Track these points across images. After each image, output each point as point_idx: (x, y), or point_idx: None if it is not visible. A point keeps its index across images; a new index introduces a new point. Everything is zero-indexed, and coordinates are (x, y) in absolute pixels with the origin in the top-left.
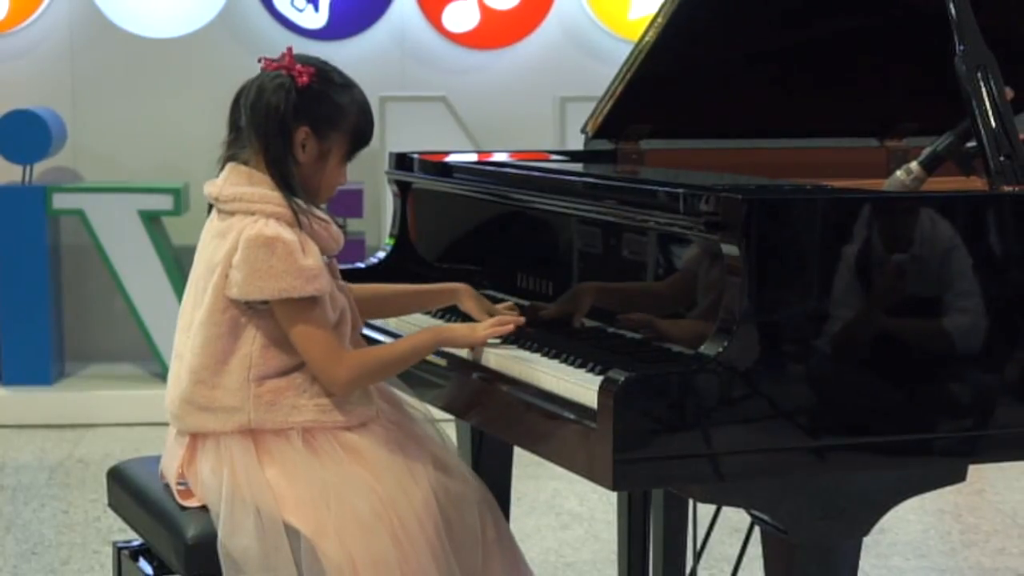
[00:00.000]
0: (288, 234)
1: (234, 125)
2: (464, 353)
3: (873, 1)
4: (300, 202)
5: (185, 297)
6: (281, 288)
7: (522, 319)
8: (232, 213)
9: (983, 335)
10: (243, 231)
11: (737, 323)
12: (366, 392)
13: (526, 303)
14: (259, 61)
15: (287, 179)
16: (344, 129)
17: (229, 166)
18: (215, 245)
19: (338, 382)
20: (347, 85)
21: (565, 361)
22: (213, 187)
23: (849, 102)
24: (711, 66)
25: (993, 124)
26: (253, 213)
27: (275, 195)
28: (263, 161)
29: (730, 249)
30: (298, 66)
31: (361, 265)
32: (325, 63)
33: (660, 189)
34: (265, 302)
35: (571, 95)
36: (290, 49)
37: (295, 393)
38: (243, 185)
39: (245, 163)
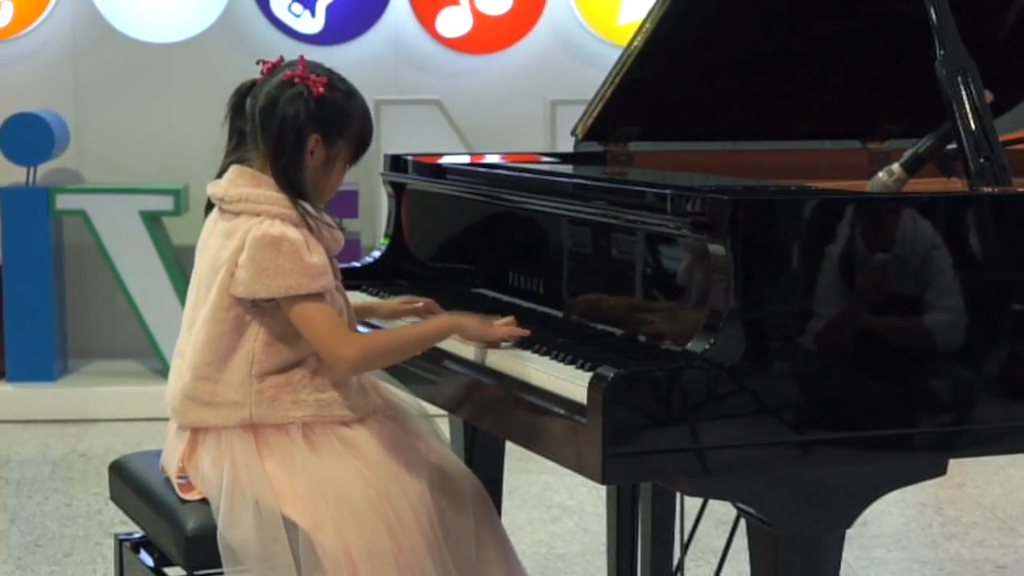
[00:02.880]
0: (293, 233)
1: (236, 130)
2: (458, 350)
3: (856, 6)
4: (307, 206)
5: (188, 296)
6: (288, 286)
7: (527, 332)
8: (237, 214)
9: (963, 333)
10: (249, 231)
11: (723, 321)
12: (363, 388)
13: (520, 303)
14: (258, 63)
15: (297, 185)
16: (350, 136)
17: (234, 167)
18: (220, 244)
19: (345, 360)
20: (352, 92)
21: (556, 358)
22: (217, 188)
23: (832, 105)
24: (698, 70)
25: (973, 126)
26: (259, 214)
27: (280, 196)
28: (270, 166)
29: (716, 249)
30: (312, 76)
31: (357, 264)
32: (331, 71)
33: (648, 190)
34: (270, 299)
35: (561, 98)
36: (303, 58)
37: (295, 389)
38: (248, 186)
39: (249, 166)
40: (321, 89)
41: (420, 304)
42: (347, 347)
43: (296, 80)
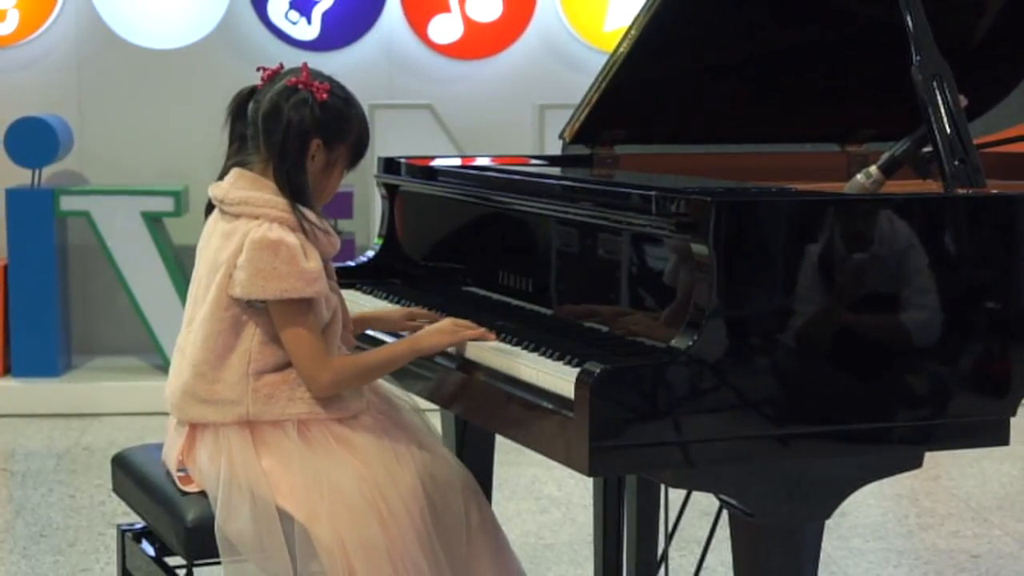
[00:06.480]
0: (291, 238)
1: (237, 135)
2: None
3: (834, 14)
4: (304, 210)
5: (189, 294)
6: (283, 289)
7: (492, 336)
8: (237, 216)
9: (938, 329)
10: (248, 233)
11: (706, 318)
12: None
13: (510, 301)
14: (258, 70)
15: (299, 188)
16: (349, 141)
17: (235, 170)
18: (219, 245)
19: (321, 384)
20: (350, 99)
21: (544, 354)
22: (218, 189)
23: (812, 109)
24: (681, 76)
25: (948, 130)
26: (258, 217)
27: (280, 200)
28: (273, 170)
29: (699, 248)
30: (315, 83)
31: (351, 264)
32: (330, 78)
33: (633, 192)
34: (265, 301)
35: (550, 103)
36: (306, 65)
37: (291, 387)
38: (248, 189)
39: (250, 169)
40: (325, 95)
41: (420, 325)
42: (323, 372)
43: (300, 87)
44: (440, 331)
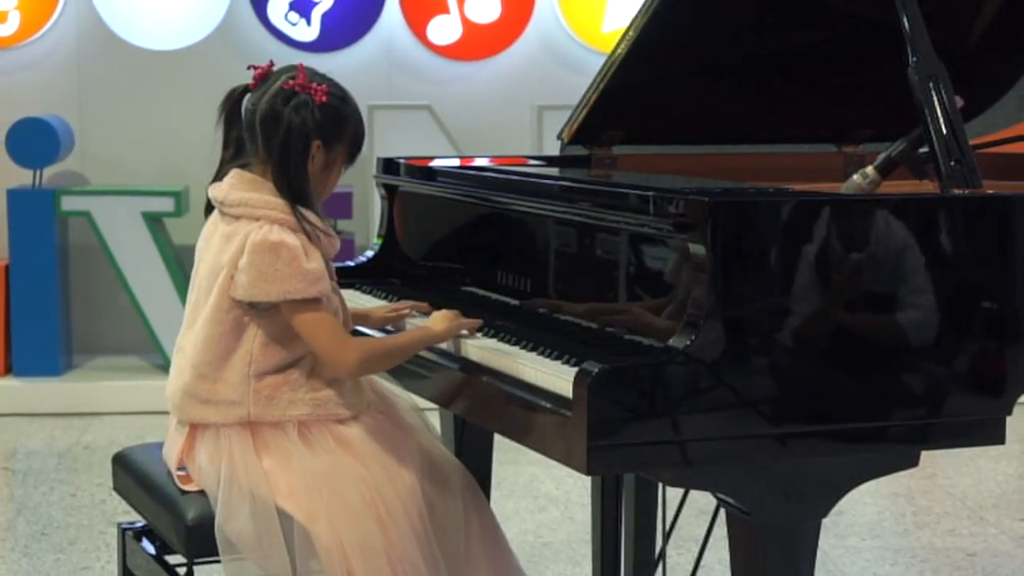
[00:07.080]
0: (292, 239)
1: (232, 139)
2: (448, 346)
3: (831, 15)
4: (305, 211)
5: (189, 294)
6: (285, 291)
7: (478, 321)
8: (237, 217)
9: (935, 329)
10: (249, 236)
11: (704, 318)
12: (358, 385)
13: (508, 300)
14: (249, 68)
15: (301, 190)
16: (346, 140)
17: (234, 171)
18: (220, 248)
19: (349, 365)
20: (345, 97)
21: (543, 353)
22: (218, 191)
23: (809, 110)
24: (679, 77)
25: (944, 131)
26: (258, 219)
27: (279, 202)
28: (273, 173)
29: (697, 248)
30: (314, 84)
31: (351, 264)
32: (325, 76)
33: (631, 192)
34: (269, 303)
35: (548, 104)
36: (302, 66)
37: (292, 388)
38: (247, 191)
39: (248, 171)
40: (324, 97)
41: (406, 312)
42: (349, 353)
43: (298, 89)
44: (444, 318)
